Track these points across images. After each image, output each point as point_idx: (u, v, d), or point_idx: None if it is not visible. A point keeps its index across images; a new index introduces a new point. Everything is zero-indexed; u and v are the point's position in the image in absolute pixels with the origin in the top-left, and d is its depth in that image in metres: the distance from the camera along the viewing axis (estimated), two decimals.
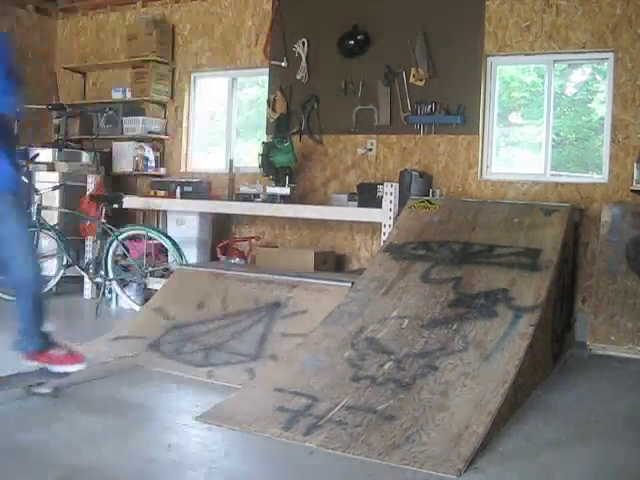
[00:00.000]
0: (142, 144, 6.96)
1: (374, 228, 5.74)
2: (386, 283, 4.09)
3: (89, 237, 5.98)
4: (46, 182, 6.08)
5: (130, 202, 5.98)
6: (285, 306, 4.27)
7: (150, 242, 5.64)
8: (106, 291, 5.66)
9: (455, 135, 5.69)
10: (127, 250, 5.67)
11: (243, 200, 5.90)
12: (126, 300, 5.54)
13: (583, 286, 5.19)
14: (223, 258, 5.95)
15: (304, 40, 6.25)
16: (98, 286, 5.71)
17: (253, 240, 6.21)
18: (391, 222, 4.85)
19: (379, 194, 5.15)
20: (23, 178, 5.96)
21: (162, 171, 7.04)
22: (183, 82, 7.07)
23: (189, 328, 4.25)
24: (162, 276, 5.62)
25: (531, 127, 5.82)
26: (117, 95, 7.17)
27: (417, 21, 5.76)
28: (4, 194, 3.09)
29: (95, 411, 3.05)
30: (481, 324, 3.53)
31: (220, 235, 6.52)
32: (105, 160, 6.96)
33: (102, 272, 5.53)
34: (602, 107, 5.41)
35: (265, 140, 6.21)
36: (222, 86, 7.04)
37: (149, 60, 6.83)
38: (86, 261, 5.81)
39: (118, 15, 7.50)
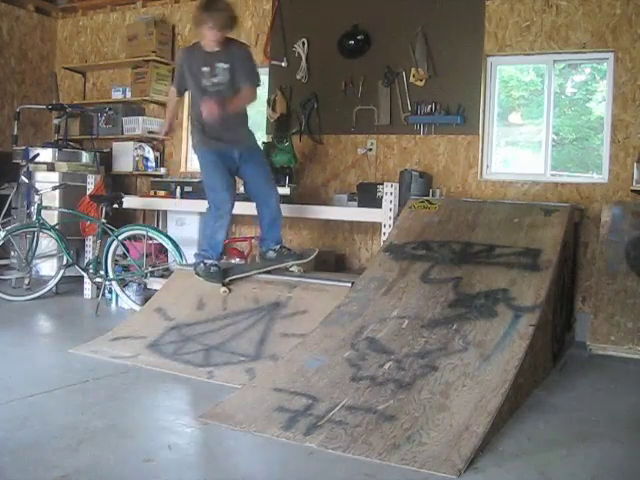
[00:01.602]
0: (142, 144, 6.96)
1: (374, 228, 5.74)
2: (386, 283, 4.09)
3: (89, 237, 5.98)
4: (46, 182, 6.09)
5: (130, 202, 5.98)
6: (285, 306, 4.27)
7: (150, 242, 5.64)
8: (106, 291, 5.67)
9: (455, 135, 5.69)
10: (127, 250, 5.67)
11: (243, 200, 5.87)
12: (126, 300, 5.54)
13: (583, 286, 5.19)
14: (223, 258, 5.94)
15: (304, 40, 6.25)
16: (98, 286, 5.71)
17: (253, 240, 6.20)
18: (391, 222, 4.85)
19: (379, 194, 5.15)
20: (23, 178, 6.01)
21: (162, 171, 7.04)
22: None
23: (189, 328, 4.25)
24: (162, 276, 5.63)
25: (531, 127, 5.83)
26: (117, 95, 7.17)
27: (417, 21, 5.76)
28: None
29: (95, 411, 3.05)
30: (481, 324, 3.53)
31: None
32: (105, 160, 6.96)
33: (102, 272, 5.53)
34: (602, 107, 5.42)
35: (265, 140, 6.21)
36: None
37: (149, 60, 6.84)
38: (86, 261, 5.81)
39: (118, 15, 7.51)
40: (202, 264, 4.53)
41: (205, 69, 4.29)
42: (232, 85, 4.33)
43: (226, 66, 4.28)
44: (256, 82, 4.44)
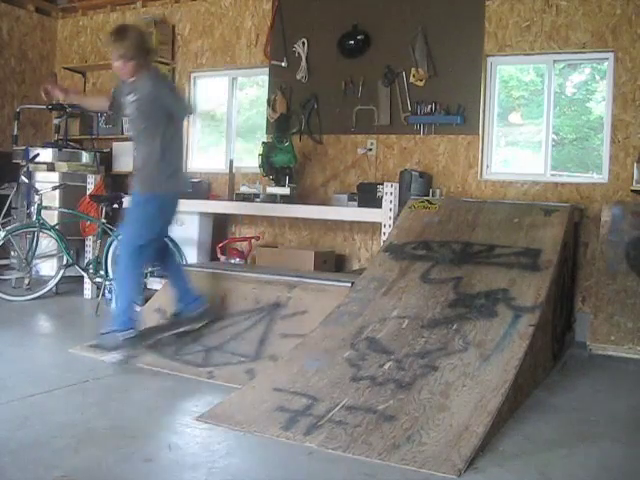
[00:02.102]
0: None
1: (374, 228, 5.74)
2: (386, 283, 4.09)
3: (89, 237, 5.98)
4: (46, 182, 6.09)
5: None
6: (285, 306, 4.27)
7: None
8: (106, 291, 5.66)
9: (455, 135, 5.68)
10: None
11: (243, 200, 5.89)
12: None
13: (583, 286, 5.19)
14: (223, 258, 5.95)
15: (304, 40, 6.25)
16: (98, 286, 5.71)
17: (253, 240, 6.21)
18: (391, 222, 4.85)
19: (379, 194, 5.15)
20: (23, 178, 6.01)
21: None
22: (183, 82, 7.07)
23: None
24: (162, 276, 5.62)
25: (531, 127, 5.82)
26: None
27: (417, 21, 5.76)
28: None
29: (95, 411, 3.05)
30: (481, 324, 3.53)
31: (220, 235, 6.51)
32: (105, 160, 6.96)
33: (102, 272, 5.53)
34: (602, 107, 5.41)
35: (265, 140, 6.21)
36: (222, 86, 7.03)
37: None
38: (86, 261, 5.81)
39: (118, 15, 7.51)
40: None
41: (123, 100, 4.02)
42: (139, 119, 3.95)
43: (133, 98, 3.91)
44: (180, 111, 4.05)
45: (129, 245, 3.91)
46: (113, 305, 4.00)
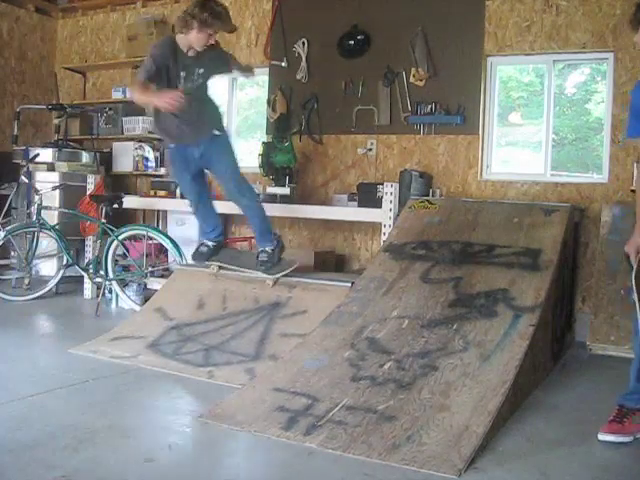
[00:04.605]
0: (142, 144, 6.96)
1: (374, 228, 5.74)
2: (386, 283, 4.09)
3: (89, 237, 5.98)
4: (46, 182, 6.09)
5: (130, 202, 5.98)
6: (285, 306, 4.27)
7: (150, 242, 5.64)
8: (106, 291, 5.66)
9: (455, 135, 5.68)
10: (127, 250, 5.67)
11: None
12: (126, 300, 5.54)
13: (583, 286, 5.18)
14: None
15: (304, 40, 6.25)
16: (98, 286, 5.71)
17: (253, 240, 6.20)
18: (391, 222, 4.85)
19: (379, 194, 5.15)
20: (23, 178, 6.01)
21: (162, 171, 7.03)
22: None
23: (189, 328, 4.25)
24: (162, 276, 5.62)
25: (530, 127, 5.82)
26: (117, 95, 7.18)
27: (417, 21, 5.76)
28: None
29: (95, 411, 3.05)
30: (481, 324, 3.53)
31: None
32: (105, 160, 6.96)
33: (102, 272, 5.53)
34: (601, 107, 5.42)
35: (265, 140, 6.21)
36: (222, 86, 7.03)
37: None
38: (86, 261, 5.81)
39: (118, 15, 7.51)
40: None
41: (182, 74, 4.04)
42: (200, 88, 4.20)
43: (202, 71, 4.12)
44: None
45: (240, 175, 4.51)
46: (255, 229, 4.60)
